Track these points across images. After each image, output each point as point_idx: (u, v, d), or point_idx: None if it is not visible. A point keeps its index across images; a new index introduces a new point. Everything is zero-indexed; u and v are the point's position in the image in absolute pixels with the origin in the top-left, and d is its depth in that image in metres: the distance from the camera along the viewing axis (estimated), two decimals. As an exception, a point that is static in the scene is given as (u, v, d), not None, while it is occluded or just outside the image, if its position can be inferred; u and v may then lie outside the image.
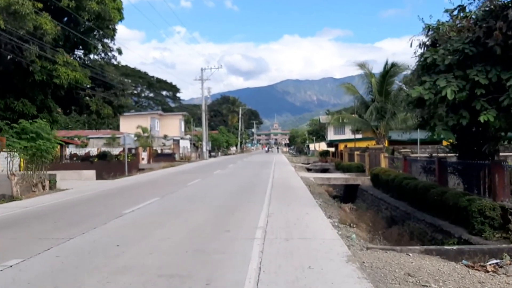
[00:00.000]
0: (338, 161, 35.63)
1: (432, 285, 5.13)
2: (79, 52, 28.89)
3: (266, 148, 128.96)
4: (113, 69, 30.26)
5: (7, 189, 14.36)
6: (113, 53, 29.40)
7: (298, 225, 8.35)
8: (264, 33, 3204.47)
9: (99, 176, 25.01)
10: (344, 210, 17.93)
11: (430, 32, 13.24)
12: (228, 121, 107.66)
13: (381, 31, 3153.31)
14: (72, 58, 24.78)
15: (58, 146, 36.60)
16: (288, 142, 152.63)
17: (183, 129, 67.53)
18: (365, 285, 4.76)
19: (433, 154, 16.01)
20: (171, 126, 63.58)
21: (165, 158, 46.17)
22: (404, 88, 23.88)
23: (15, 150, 15.09)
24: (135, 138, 48.96)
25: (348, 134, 52.88)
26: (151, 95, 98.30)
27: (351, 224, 10.00)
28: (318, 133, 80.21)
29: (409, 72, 25.86)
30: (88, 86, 25.70)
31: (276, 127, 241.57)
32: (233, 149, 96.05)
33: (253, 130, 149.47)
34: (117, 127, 63.49)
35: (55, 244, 6.94)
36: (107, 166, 31.46)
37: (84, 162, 31.13)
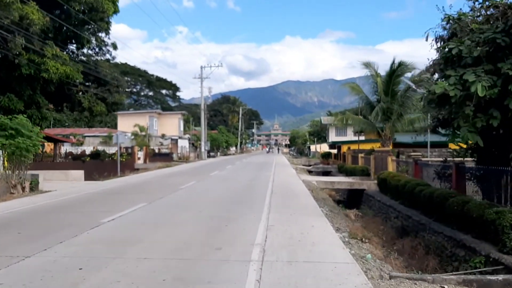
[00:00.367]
0: (341, 164, 34.31)
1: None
2: (72, 47, 27.59)
3: (267, 149, 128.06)
4: (107, 65, 28.89)
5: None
6: (107, 47, 28.07)
7: (303, 242, 7.04)
8: (266, 34, 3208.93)
9: (89, 177, 23.70)
10: (349, 216, 16.68)
11: (449, 25, 11.98)
12: (228, 121, 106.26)
13: (382, 33, 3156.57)
14: (65, 52, 23.47)
15: (52, 144, 35.48)
16: (288, 143, 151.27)
17: (182, 129, 66.23)
18: None
19: (448, 158, 14.65)
20: (169, 125, 62.43)
21: (162, 158, 44.87)
22: (414, 86, 22.60)
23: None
24: (132, 137, 47.78)
25: (350, 136, 51.63)
26: (151, 93, 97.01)
27: (363, 239, 8.69)
28: (319, 134, 78.93)
29: (417, 71, 24.87)
30: (79, 81, 24.36)
31: (277, 127, 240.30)
32: (232, 149, 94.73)
33: (253, 130, 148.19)
34: (114, 126, 62.33)
35: (3, 266, 5.62)
36: (100, 165, 30.17)
37: (76, 161, 29.82)
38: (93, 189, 16.25)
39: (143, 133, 48.72)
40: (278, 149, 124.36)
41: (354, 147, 36.60)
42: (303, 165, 46.59)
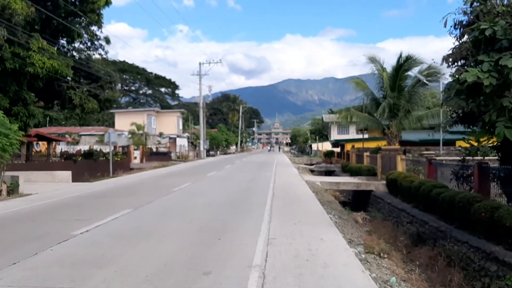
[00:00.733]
0: (344, 163, 32.95)
1: None
2: (63, 41, 26.22)
3: (268, 147, 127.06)
4: (100, 60, 27.53)
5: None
6: (100, 41, 26.68)
7: (312, 263, 5.71)
8: (266, 32, 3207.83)
9: (80, 178, 22.42)
10: (357, 220, 15.38)
11: (470, 9, 10.70)
12: (228, 120, 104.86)
13: (383, 31, 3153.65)
14: (55, 47, 22.13)
15: (46, 144, 34.11)
16: (289, 141, 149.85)
17: (181, 127, 64.85)
18: None
19: (467, 158, 13.30)
20: (168, 124, 61.12)
21: (160, 157, 43.57)
22: (424, 80, 21.31)
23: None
24: (129, 136, 46.42)
25: (353, 134, 50.16)
26: (150, 92, 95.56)
27: (381, 254, 7.37)
28: (321, 132, 77.48)
29: (425, 66, 23.53)
30: (69, 77, 23.01)
31: (277, 126, 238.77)
32: (232, 148, 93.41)
33: (254, 129, 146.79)
34: (112, 124, 61.08)
35: None
36: (92, 165, 28.92)
37: (68, 161, 28.51)
38: (79, 191, 14.91)
39: (140, 132, 47.38)
40: (279, 147, 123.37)
41: (358, 145, 35.23)
42: (305, 164, 45.31)
